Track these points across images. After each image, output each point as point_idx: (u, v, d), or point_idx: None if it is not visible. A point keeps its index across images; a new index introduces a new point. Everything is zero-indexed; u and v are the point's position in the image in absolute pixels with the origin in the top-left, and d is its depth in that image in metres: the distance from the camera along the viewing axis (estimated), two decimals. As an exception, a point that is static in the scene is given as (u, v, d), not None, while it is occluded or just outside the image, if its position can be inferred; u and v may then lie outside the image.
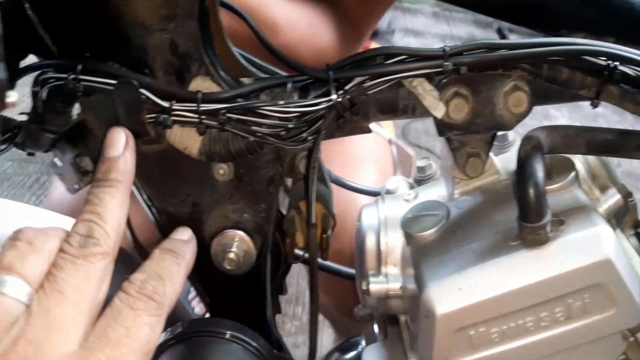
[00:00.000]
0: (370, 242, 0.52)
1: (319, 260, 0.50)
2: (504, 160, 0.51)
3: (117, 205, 0.34)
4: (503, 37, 3.35)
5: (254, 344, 0.44)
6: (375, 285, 0.51)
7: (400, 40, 3.11)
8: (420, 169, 0.58)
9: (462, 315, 0.41)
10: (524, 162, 0.41)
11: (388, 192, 0.58)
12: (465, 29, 3.77)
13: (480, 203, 0.47)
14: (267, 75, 0.48)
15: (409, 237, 0.48)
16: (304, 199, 0.48)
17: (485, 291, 0.41)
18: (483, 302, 0.41)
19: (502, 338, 0.42)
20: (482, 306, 0.41)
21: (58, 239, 0.32)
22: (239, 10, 0.50)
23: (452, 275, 0.42)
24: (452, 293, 0.41)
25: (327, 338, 1.39)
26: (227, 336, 0.44)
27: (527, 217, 0.40)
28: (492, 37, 3.57)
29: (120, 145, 0.38)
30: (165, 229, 0.49)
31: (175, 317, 0.44)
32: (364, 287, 0.52)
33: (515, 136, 0.55)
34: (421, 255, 0.46)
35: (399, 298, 0.52)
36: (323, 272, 0.61)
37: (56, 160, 0.43)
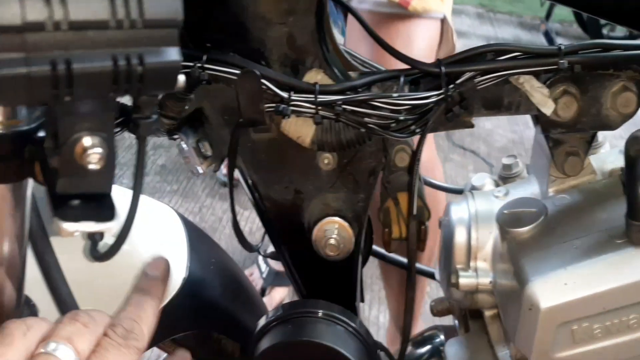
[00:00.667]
0: (460, 237, 0.53)
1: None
2: (596, 160, 0.52)
3: (153, 313, 0.40)
4: (550, 40, 3.30)
5: (353, 325, 0.46)
6: (465, 279, 0.52)
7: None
8: (506, 167, 0.59)
9: (567, 309, 0.42)
10: (634, 162, 0.42)
11: (473, 188, 0.59)
12: (510, 31, 3.72)
13: (580, 201, 0.48)
14: (368, 70, 0.50)
15: (504, 233, 0.49)
16: (401, 191, 0.49)
17: (591, 287, 0.42)
18: (588, 297, 0.42)
19: (604, 334, 0.43)
20: (588, 301, 0.42)
21: (104, 325, 0.37)
22: (349, 6, 0.51)
23: (557, 270, 0.43)
24: (557, 287, 0.42)
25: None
26: (329, 317, 0.46)
27: (636, 215, 0.41)
28: (537, 40, 3.52)
29: (162, 269, 0.43)
30: (267, 214, 0.51)
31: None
32: (453, 281, 0.53)
33: (604, 137, 0.56)
34: (520, 251, 0.46)
35: (487, 293, 0.53)
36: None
37: (182, 144, 0.45)
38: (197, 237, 0.66)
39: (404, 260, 0.76)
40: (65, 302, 0.47)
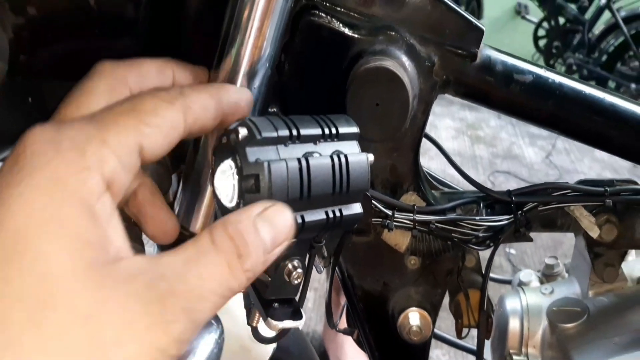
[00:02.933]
0: (513, 325, 0.65)
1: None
2: (626, 268, 0.64)
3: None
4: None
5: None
6: (517, 362, 0.63)
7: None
8: (549, 267, 0.71)
9: (609, 395, 0.53)
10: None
11: (521, 282, 0.71)
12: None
13: (616, 304, 0.59)
14: (446, 189, 0.62)
15: (554, 327, 0.60)
16: (471, 287, 0.61)
17: (629, 378, 0.53)
18: (627, 386, 0.53)
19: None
20: (626, 390, 0.53)
21: None
22: (436, 141, 0.65)
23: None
24: (602, 377, 0.53)
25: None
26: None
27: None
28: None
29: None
30: (358, 300, 0.62)
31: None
32: (506, 363, 0.64)
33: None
34: (568, 343, 0.58)
35: (535, 375, 0.64)
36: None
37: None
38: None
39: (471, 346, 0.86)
40: None
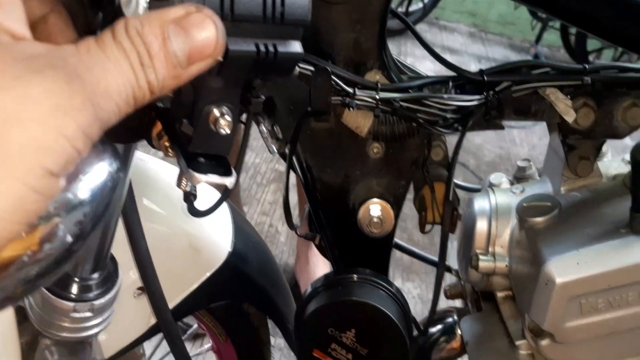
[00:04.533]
0: (481, 226, 0.61)
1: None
2: (602, 166, 0.60)
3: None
4: (539, 63, 3.42)
5: (393, 290, 0.54)
6: (484, 263, 0.60)
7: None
8: (521, 169, 0.67)
9: (578, 285, 0.50)
10: (639, 164, 0.50)
11: (492, 184, 0.67)
12: (500, 51, 3.85)
13: (589, 198, 0.56)
14: (414, 75, 0.57)
15: (523, 222, 0.57)
16: (437, 181, 0.57)
17: (599, 266, 0.50)
18: (596, 275, 0.50)
19: (607, 308, 0.51)
20: (595, 279, 0.50)
21: None
22: (404, 18, 0.59)
23: (570, 251, 0.51)
24: (571, 266, 0.50)
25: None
26: (373, 282, 0.53)
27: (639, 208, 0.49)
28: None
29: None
30: (317, 194, 0.58)
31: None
32: (473, 263, 0.61)
33: (607, 148, 0.64)
34: (537, 237, 0.55)
35: (502, 276, 0.61)
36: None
37: (262, 126, 0.52)
38: (240, 218, 0.73)
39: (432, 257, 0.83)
40: (142, 259, 0.53)
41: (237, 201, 1.71)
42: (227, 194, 0.42)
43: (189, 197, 0.42)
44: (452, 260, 0.70)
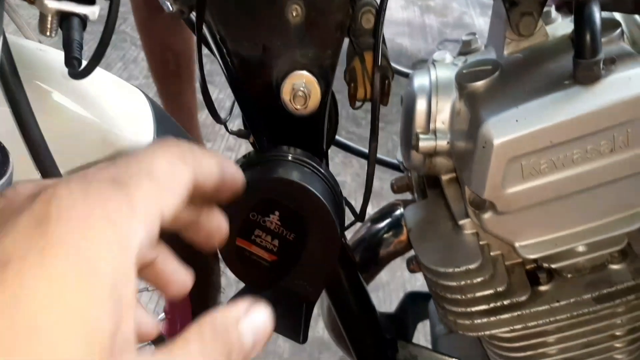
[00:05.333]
0: (420, 104, 0.56)
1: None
2: (549, 29, 0.55)
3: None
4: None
5: (320, 169, 0.49)
6: (425, 142, 0.55)
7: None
8: (466, 44, 0.61)
9: (517, 144, 0.45)
10: (582, 6, 0.45)
11: (434, 62, 0.61)
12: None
13: (532, 57, 0.51)
14: None
15: (462, 89, 0.52)
16: (368, 50, 0.51)
17: (539, 121, 0.45)
18: (537, 131, 0.45)
19: (550, 168, 0.47)
20: (536, 135, 0.45)
21: None
22: None
23: (510, 109, 0.46)
24: (509, 124, 0.46)
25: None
26: (297, 160, 0.48)
27: (583, 53, 0.44)
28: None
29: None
30: (236, 73, 0.52)
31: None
32: (413, 143, 0.56)
33: (556, 14, 0.59)
34: (477, 99, 0.50)
35: (444, 156, 0.56)
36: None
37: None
38: (163, 115, 0.67)
39: (362, 149, 0.79)
40: (36, 145, 0.47)
41: (198, 135, 1.65)
42: (84, 25, 0.36)
43: (69, 47, 0.36)
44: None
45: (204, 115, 1.92)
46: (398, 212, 0.67)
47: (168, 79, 1.46)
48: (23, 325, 0.20)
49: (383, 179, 1.88)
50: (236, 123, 0.71)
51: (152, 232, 0.24)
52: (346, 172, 1.92)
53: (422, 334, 1.07)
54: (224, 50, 0.52)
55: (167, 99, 1.50)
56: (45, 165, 0.49)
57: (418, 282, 1.59)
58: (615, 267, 0.55)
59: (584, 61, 0.44)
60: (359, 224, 0.67)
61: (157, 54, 1.43)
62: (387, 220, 0.68)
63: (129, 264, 0.22)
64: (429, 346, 0.75)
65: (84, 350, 0.21)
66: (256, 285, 0.50)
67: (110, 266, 0.22)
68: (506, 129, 0.46)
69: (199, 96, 1.87)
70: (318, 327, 1.40)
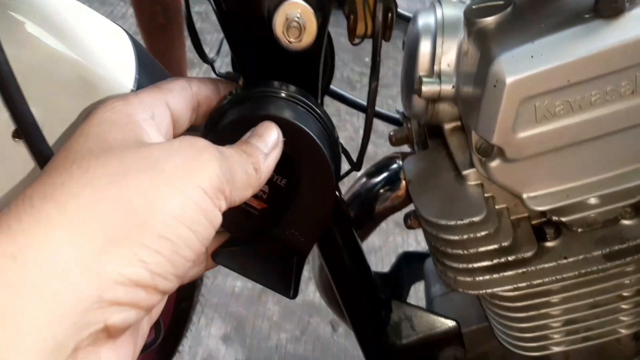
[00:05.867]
0: (424, 44, 0.52)
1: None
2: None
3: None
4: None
5: (316, 108, 0.44)
6: (428, 86, 0.51)
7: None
8: (474, -17, 0.57)
9: (531, 82, 0.41)
10: None
11: (440, 1, 0.57)
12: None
13: (549, -10, 0.46)
14: None
15: (471, 25, 0.47)
16: (369, -22, 0.47)
17: (556, 57, 0.41)
18: (553, 68, 0.41)
19: (566, 111, 0.43)
20: (552, 73, 0.41)
21: None
22: None
23: (524, 44, 0.42)
24: (524, 60, 0.41)
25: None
26: (292, 98, 0.44)
27: (607, -17, 0.40)
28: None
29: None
30: (225, 3, 0.47)
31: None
32: (415, 87, 0.52)
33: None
34: (487, 36, 0.45)
35: (449, 102, 0.52)
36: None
37: None
38: (146, 56, 0.63)
39: (359, 101, 0.74)
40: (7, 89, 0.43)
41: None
42: None
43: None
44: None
45: (194, 73, 1.86)
46: (396, 165, 0.63)
47: (157, 33, 1.40)
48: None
49: (378, 144, 1.84)
50: (225, 62, 0.66)
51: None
52: (340, 135, 1.88)
53: (414, 300, 1.05)
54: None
55: (155, 54, 1.44)
56: (15, 99, 0.44)
57: (411, 248, 1.57)
58: (627, 222, 0.51)
59: (607, -9, 0.40)
60: (354, 177, 0.63)
61: (145, 7, 1.37)
62: (384, 174, 0.64)
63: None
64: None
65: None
66: (245, 235, 0.46)
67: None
68: (520, 65, 0.41)
69: (189, 54, 1.80)
70: (308, 291, 1.37)
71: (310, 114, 0.44)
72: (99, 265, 0.26)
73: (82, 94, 0.52)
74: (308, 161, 0.43)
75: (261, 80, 0.49)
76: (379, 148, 1.81)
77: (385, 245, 1.55)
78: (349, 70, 2.08)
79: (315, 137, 0.43)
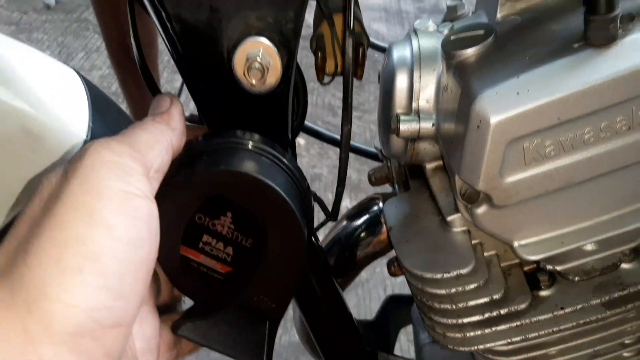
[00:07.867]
0: (401, 79, 0.48)
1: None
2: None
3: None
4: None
5: (283, 158, 0.40)
6: (406, 125, 0.47)
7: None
8: (451, 10, 0.53)
9: (518, 122, 0.37)
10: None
11: (415, 30, 0.53)
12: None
13: (532, 18, 0.43)
14: None
15: (450, 59, 0.43)
16: (338, 12, 0.43)
17: (544, 93, 0.37)
18: (542, 106, 0.37)
19: (557, 151, 0.39)
20: (541, 111, 0.37)
21: None
22: None
23: (509, 79, 0.38)
24: (509, 97, 0.37)
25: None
26: (255, 148, 0.39)
27: (597, 8, 0.36)
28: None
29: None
30: (179, 41, 0.43)
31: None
32: (393, 126, 0.47)
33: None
34: (468, 70, 0.41)
35: (429, 141, 0.48)
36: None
37: None
38: (102, 99, 0.58)
39: (336, 136, 0.70)
40: None
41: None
42: None
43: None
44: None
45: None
46: (377, 207, 0.59)
47: (129, 66, 1.36)
48: None
49: (361, 170, 1.80)
50: (190, 106, 0.62)
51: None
52: (322, 164, 1.84)
53: (404, 342, 0.99)
54: (163, 13, 0.42)
55: (128, 88, 1.40)
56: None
57: (399, 279, 1.52)
58: (626, 266, 0.47)
59: (597, 17, 0.36)
60: (332, 223, 0.59)
61: (115, 41, 1.33)
62: (365, 217, 0.59)
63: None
64: (412, 356, 0.68)
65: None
66: (208, 303, 0.41)
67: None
68: (505, 104, 0.37)
69: (167, 86, 1.75)
70: (293, 331, 1.31)
71: (277, 165, 0.40)
72: None
73: (26, 148, 0.47)
74: (275, 218, 0.38)
75: (223, 128, 0.44)
76: (363, 175, 1.77)
77: (372, 277, 1.49)
78: (330, 95, 2.05)
79: (281, 192, 0.38)
